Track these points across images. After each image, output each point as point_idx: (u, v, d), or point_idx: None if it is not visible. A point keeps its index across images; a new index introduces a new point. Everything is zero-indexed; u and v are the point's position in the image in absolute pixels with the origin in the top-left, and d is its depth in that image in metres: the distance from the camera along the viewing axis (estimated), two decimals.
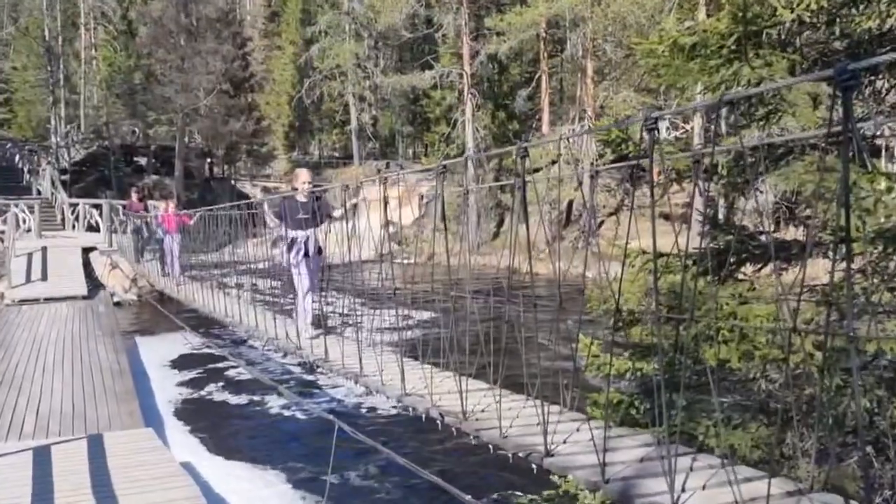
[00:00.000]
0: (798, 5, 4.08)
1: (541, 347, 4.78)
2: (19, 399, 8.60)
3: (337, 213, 7.94)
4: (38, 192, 28.06)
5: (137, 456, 6.72)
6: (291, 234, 7.61)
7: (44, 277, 17.60)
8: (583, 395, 5.43)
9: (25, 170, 30.60)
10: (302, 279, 7.64)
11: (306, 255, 7.61)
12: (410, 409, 5.08)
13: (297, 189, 7.77)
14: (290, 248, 7.62)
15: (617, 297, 3.42)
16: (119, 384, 9.34)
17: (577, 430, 4.08)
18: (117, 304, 17.45)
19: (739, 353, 4.29)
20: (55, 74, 38.02)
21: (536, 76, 32.30)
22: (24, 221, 22.39)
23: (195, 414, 9.77)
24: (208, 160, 38.09)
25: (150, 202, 21.91)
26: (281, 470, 7.77)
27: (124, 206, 20.80)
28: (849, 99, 2.06)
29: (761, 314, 4.37)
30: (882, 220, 3.80)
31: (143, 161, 35.93)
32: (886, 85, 4.76)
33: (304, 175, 7.86)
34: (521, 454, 3.93)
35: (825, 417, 4.12)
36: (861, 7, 4.21)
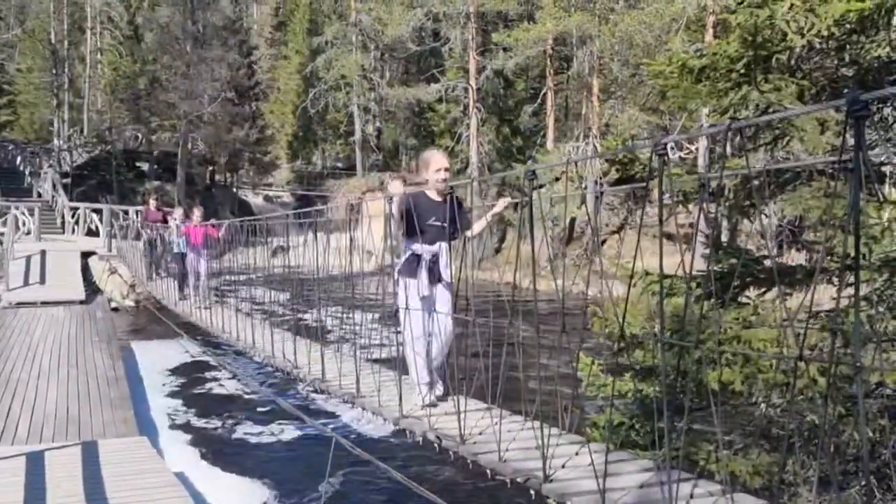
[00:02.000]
0: (808, 31, 4.07)
1: (541, 367, 4.75)
2: (13, 403, 8.55)
3: (477, 226, 5.46)
4: (39, 195, 28.08)
5: (131, 464, 6.68)
6: (415, 247, 5.09)
7: (42, 281, 17.57)
8: (583, 417, 5.40)
9: (27, 172, 30.64)
10: (418, 320, 5.03)
11: (432, 280, 5.14)
12: (408, 431, 5.02)
13: (426, 181, 5.25)
14: (409, 270, 5.10)
15: (622, 320, 3.39)
16: (114, 391, 9.29)
17: (577, 453, 4.03)
18: (115, 309, 17.42)
19: (742, 376, 4.26)
20: (60, 78, 38.14)
21: (542, 92, 32.37)
22: (24, 224, 22.39)
23: (190, 423, 9.71)
24: (210, 167, 38.12)
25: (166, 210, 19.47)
26: (276, 483, 7.71)
27: (137, 214, 20.06)
28: (860, 128, 2.04)
29: (765, 339, 4.34)
30: (888, 248, 3.78)
31: (145, 166, 35.96)
32: (895, 113, 4.75)
33: (439, 159, 5.24)
34: (519, 479, 3.88)
35: (828, 445, 4.08)
36: (871, 35, 4.20)
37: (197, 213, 13.18)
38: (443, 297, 5.16)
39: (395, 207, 5.13)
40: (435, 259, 5.14)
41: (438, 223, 5.11)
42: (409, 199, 5.09)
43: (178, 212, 14.22)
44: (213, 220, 14.08)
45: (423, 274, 5.06)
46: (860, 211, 3.67)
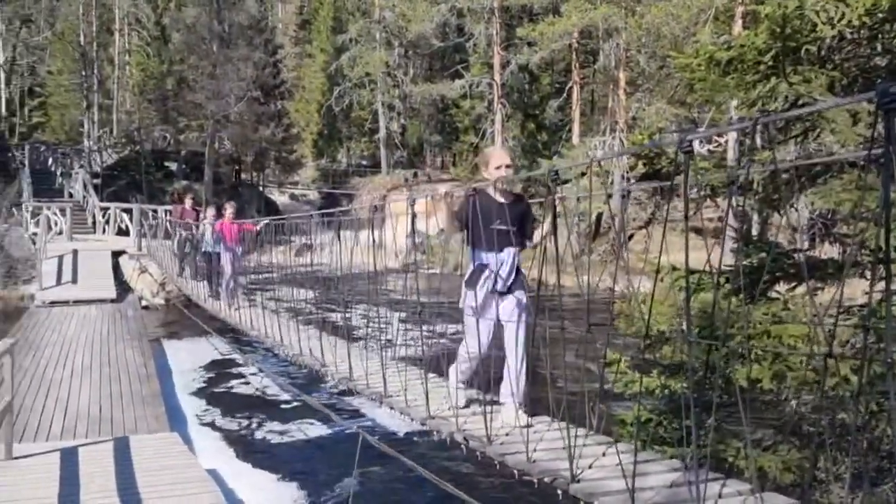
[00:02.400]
0: (839, 21, 4.00)
1: (567, 366, 4.72)
2: (48, 401, 8.70)
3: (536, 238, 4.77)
4: (71, 195, 28.47)
5: (163, 460, 6.76)
6: (478, 254, 4.65)
7: (74, 280, 17.84)
8: (610, 416, 5.36)
9: (58, 173, 31.07)
10: (484, 333, 4.58)
11: (500, 291, 4.59)
12: (435, 432, 5.02)
13: (486, 179, 4.72)
14: (472, 281, 4.58)
15: (647, 317, 3.36)
16: (146, 388, 9.41)
17: (604, 454, 4.00)
18: (145, 307, 17.64)
19: (772, 373, 4.20)
20: (89, 79, 38.63)
21: (567, 87, 32.17)
22: (56, 224, 22.72)
23: (220, 420, 9.81)
24: (236, 166, 38.43)
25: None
26: (304, 479, 7.76)
27: (169, 213, 19.86)
28: (891, 121, 2.00)
29: (795, 334, 4.28)
30: None
31: (173, 166, 36.33)
32: None
33: (500, 155, 4.72)
34: (546, 479, 3.87)
35: (860, 442, 4.02)
36: None
37: (230, 209, 12.58)
38: (515, 309, 4.58)
39: (447, 209, 4.69)
40: (503, 267, 4.58)
41: (504, 227, 4.54)
42: (470, 202, 4.53)
43: (210, 211, 13.72)
44: (254, 220, 13.94)
45: (487, 285, 4.55)
46: (892, 204, 3.60)
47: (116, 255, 20.75)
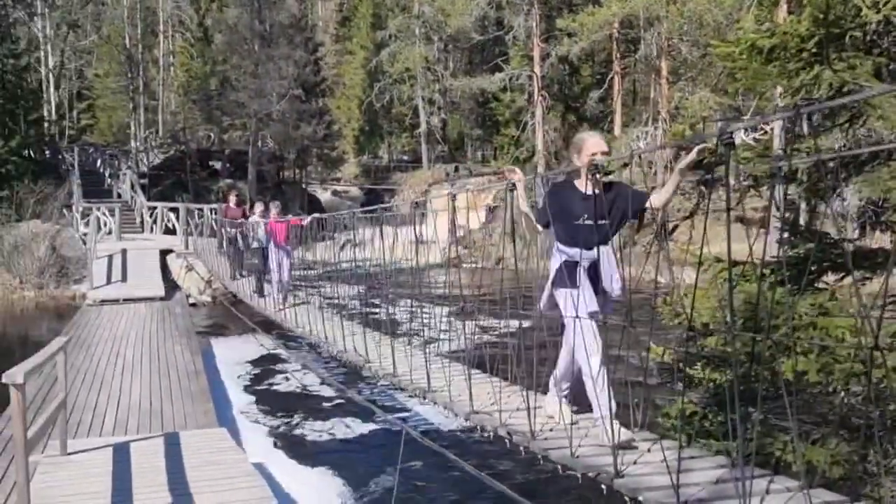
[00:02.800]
0: (885, 5, 3.90)
1: (613, 360, 4.69)
2: (100, 397, 8.92)
3: (663, 193, 4.13)
4: (119, 196, 29.06)
5: (212, 455, 6.88)
6: (565, 251, 4.14)
7: (123, 279, 18.26)
8: (655, 410, 5.31)
9: (107, 174, 31.73)
10: (589, 334, 4.00)
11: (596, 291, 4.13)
12: (478, 427, 5.03)
13: (576, 169, 4.19)
14: (560, 280, 4.14)
15: (690, 310, 3.33)
16: (194, 384, 9.59)
17: (649, 450, 3.98)
18: (193, 305, 17.96)
19: (819, 365, 4.13)
20: (135, 81, 39.42)
21: (608, 77, 31.90)
22: (105, 224, 23.23)
23: (267, 415, 9.96)
24: (279, 164, 38.85)
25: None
26: (349, 474, 7.84)
27: (213, 211, 19.92)
28: None
29: (843, 326, 4.20)
30: None
31: (217, 165, 36.86)
32: None
33: (594, 142, 4.15)
34: (590, 474, 3.85)
35: None
36: None
37: (274, 209, 12.44)
38: (602, 313, 4.11)
39: (520, 197, 4.29)
40: (594, 266, 4.08)
41: (591, 222, 4.00)
42: (550, 194, 4.10)
43: (259, 207, 13.58)
44: (299, 216, 13.75)
45: (587, 283, 4.02)
46: None
47: (164, 253, 21.15)
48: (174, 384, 9.58)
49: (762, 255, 3.01)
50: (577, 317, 3.87)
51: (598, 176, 3.71)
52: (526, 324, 5.69)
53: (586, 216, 4.03)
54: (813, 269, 4.77)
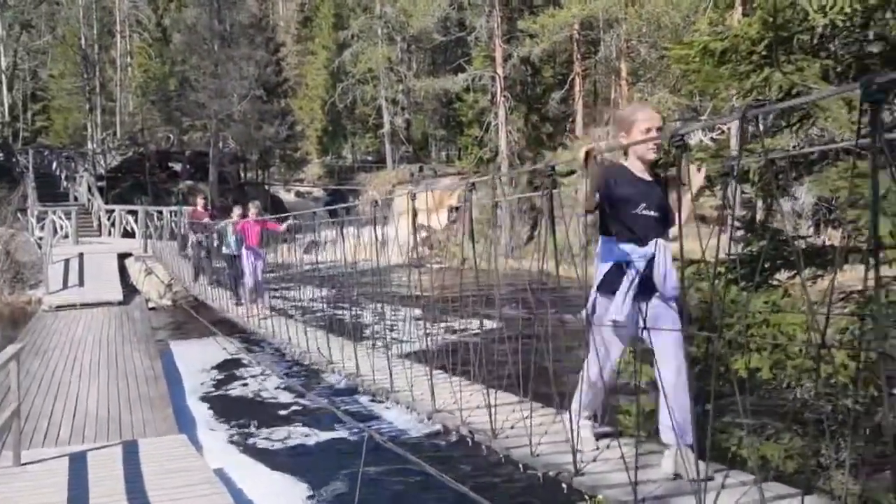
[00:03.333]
0: (831, 9, 3.99)
1: (574, 359, 4.73)
2: (56, 405, 8.75)
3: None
4: (76, 199, 28.55)
5: (171, 462, 6.81)
6: (625, 248, 3.53)
7: (80, 283, 17.92)
8: (614, 406, 5.37)
9: (63, 177, 31.16)
10: (616, 349, 3.73)
11: (645, 293, 3.51)
12: (441, 426, 5.05)
13: (626, 145, 3.59)
14: (609, 284, 3.57)
15: (646, 307, 3.38)
16: (153, 390, 9.46)
17: (608, 446, 4.02)
18: (152, 309, 17.71)
19: (771, 362, 4.21)
20: (91, 82, 38.75)
21: (570, 78, 32.13)
22: (62, 228, 22.81)
23: (228, 421, 9.86)
24: (241, 165, 38.51)
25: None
26: (311, 478, 7.80)
27: (173, 214, 19.96)
28: (877, 112, 2.01)
29: (794, 323, 4.28)
30: None
31: (177, 167, 36.40)
32: None
33: (647, 116, 3.56)
34: (550, 473, 3.89)
35: (861, 429, 4.03)
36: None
37: (253, 210, 11.60)
38: (666, 315, 3.53)
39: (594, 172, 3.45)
40: (650, 265, 3.48)
41: (652, 212, 3.50)
42: (604, 177, 3.42)
43: (237, 211, 12.64)
44: (276, 218, 13.20)
45: (631, 287, 3.48)
46: (886, 190, 3.60)
47: (122, 257, 20.84)
48: (133, 390, 9.44)
49: (716, 253, 3.07)
50: (644, 327, 3.29)
51: (552, 179, 3.72)
52: (488, 323, 5.71)
53: (645, 204, 3.49)
54: (766, 266, 4.86)
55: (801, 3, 3.94)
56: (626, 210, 3.49)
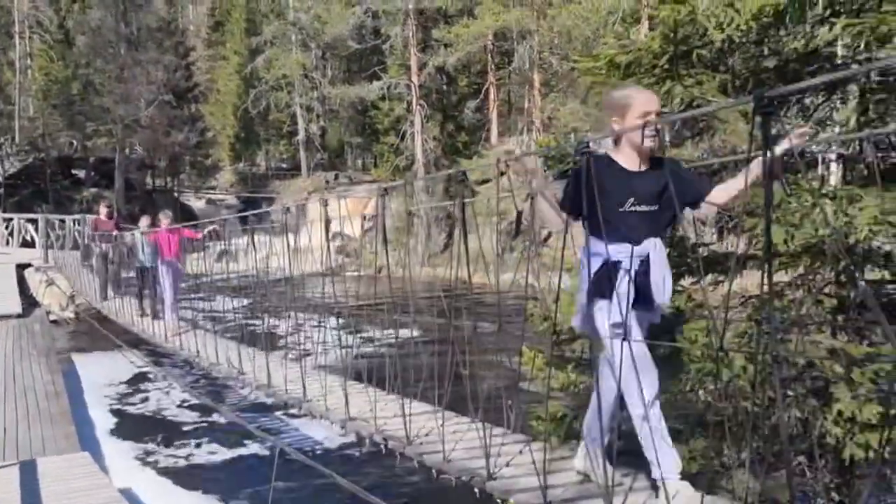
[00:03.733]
0: (728, 25, 4.17)
1: (487, 365, 4.78)
2: None
3: (724, 193, 3.17)
4: None
5: (73, 482, 6.52)
6: (610, 249, 3.10)
7: None
8: (528, 411, 5.45)
9: None
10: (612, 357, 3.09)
11: (640, 300, 3.12)
12: (355, 434, 5.02)
13: (618, 132, 3.15)
14: (601, 287, 3.10)
15: (555, 313, 3.44)
16: (54, 406, 9.05)
17: (521, 451, 4.08)
18: (54, 322, 16.95)
19: (674, 367, 4.35)
20: None
21: (484, 88, 32.55)
22: None
23: (134, 437, 9.52)
24: (149, 171, 37.43)
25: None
26: (222, 494, 7.61)
27: (76, 223, 19.10)
28: (767, 124, 2.11)
29: (696, 328, 4.44)
30: (808, 234, 3.90)
31: (81, 173, 35.09)
32: (816, 101, 4.90)
33: (644, 100, 3.12)
34: (463, 478, 3.92)
35: (759, 429, 4.20)
36: (788, 28, 4.33)
37: (164, 220, 10.81)
38: (649, 321, 3.27)
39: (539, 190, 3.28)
40: (644, 267, 3.09)
41: (644, 207, 3.10)
42: (588, 168, 2.85)
43: (144, 220, 11.88)
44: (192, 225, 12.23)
45: (623, 289, 3.04)
46: (780, 199, 3.79)
47: (22, 267, 19.90)
48: (32, 407, 9.00)
49: (631, 260, 3.14)
50: (625, 338, 2.83)
51: (464, 186, 3.75)
52: (403, 331, 5.71)
53: (633, 199, 3.09)
54: (672, 272, 5.02)
55: (700, 20, 4.11)
56: (613, 208, 3.03)
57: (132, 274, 12.49)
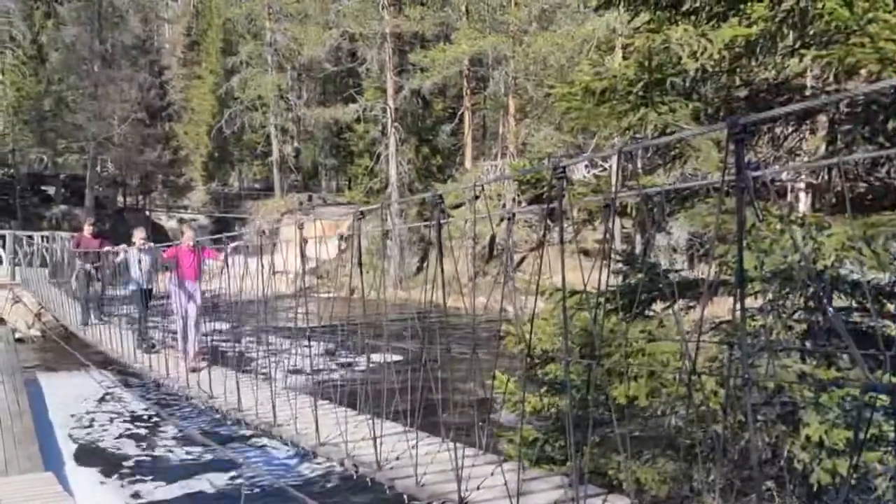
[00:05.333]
0: (701, 55, 4.25)
1: (458, 389, 4.77)
2: None
3: None
4: None
5: (36, 502, 6.38)
6: None
7: None
8: (500, 434, 5.44)
9: None
10: None
11: None
12: (325, 459, 4.98)
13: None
14: None
15: (529, 336, 3.46)
16: (18, 425, 8.86)
17: (492, 473, 4.07)
18: (19, 340, 16.63)
19: (648, 389, 4.37)
20: None
21: (460, 112, 32.74)
22: None
23: (100, 457, 9.35)
24: (120, 190, 37.08)
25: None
26: None
27: (46, 239, 18.39)
28: (740, 150, 2.15)
29: (668, 351, 4.48)
30: (778, 259, 3.96)
31: (51, 190, 34.65)
32: (786, 131, 5.01)
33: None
34: (435, 503, 3.90)
35: (729, 453, 4.23)
36: (759, 58, 4.43)
37: (189, 232, 9.38)
38: None
39: None
40: None
41: None
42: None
43: (140, 233, 10.35)
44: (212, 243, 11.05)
45: None
46: (751, 225, 3.85)
47: None
48: None
49: (598, 284, 3.18)
50: None
51: (439, 209, 3.77)
52: (375, 355, 5.68)
53: None
54: (643, 297, 5.07)
55: (674, 48, 4.19)
56: None
57: (124, 292, 11.00)
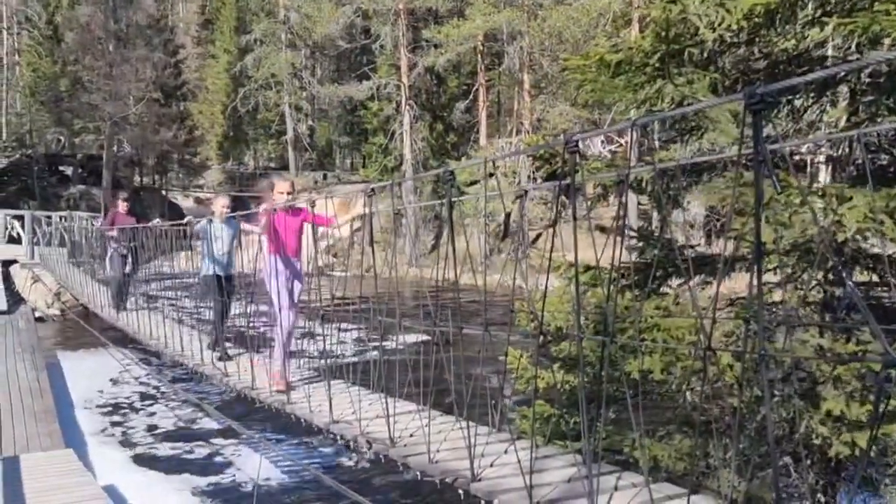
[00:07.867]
0: (719, 25, 4.16)
1: (471, 364, 4.75)
2: None
3: None
4: None
5: (56, 478, 6.45)
6: None
7: None
8: (513, 410, 5.43)
9: None
10: None
11: None
12: (339, 436, 4.99)
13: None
14: None
15: (541, 313, 3.42)
16: (38, 403, 8.97)
17: (505, 451, 4.05)
18: (39, 319, 16.81)
19: (662, 364, 4.33)
20: None
21: (474, 89, 32.51)
22: None
23: (119, 434, 9.44)
24: (137, 169, 37.24)
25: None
26: (207, 492, 7.54)
27: (63, 219, 18.43)
28: (758, 122, 2.09)
29: (683, 326, 4.43)
30: (797, 233, 3.89)
31: (68, 170, 34.86)
32: (806, 103, 4.90)
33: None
34: (447, 479, 3.89)
35: (745, 429, 4.19)
36: (779, 28, 4.32)
37: (283, 184, 6.60)
38: None
39: None
40: None
41: None
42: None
43: (222, 200, 8.39)
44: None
45: None
46: (769, 198, 3.78)
47: (7, 264, 19.71)
48: (15, 404, 8.92)
49: (612, 260, 3.13)
50: None
51: (451, 186, 3.72)
52: (390, 334, 5.67)
53: None
54: (658, 273, 5.01)
55: (691, 19, 4.09)
56: None
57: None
